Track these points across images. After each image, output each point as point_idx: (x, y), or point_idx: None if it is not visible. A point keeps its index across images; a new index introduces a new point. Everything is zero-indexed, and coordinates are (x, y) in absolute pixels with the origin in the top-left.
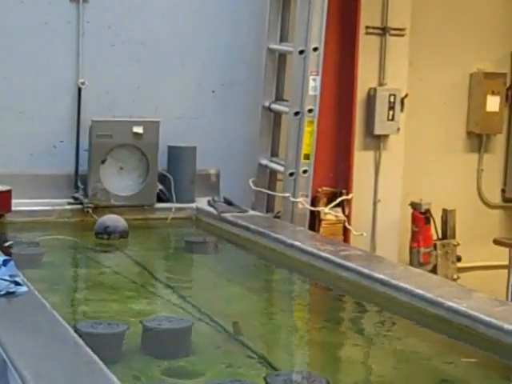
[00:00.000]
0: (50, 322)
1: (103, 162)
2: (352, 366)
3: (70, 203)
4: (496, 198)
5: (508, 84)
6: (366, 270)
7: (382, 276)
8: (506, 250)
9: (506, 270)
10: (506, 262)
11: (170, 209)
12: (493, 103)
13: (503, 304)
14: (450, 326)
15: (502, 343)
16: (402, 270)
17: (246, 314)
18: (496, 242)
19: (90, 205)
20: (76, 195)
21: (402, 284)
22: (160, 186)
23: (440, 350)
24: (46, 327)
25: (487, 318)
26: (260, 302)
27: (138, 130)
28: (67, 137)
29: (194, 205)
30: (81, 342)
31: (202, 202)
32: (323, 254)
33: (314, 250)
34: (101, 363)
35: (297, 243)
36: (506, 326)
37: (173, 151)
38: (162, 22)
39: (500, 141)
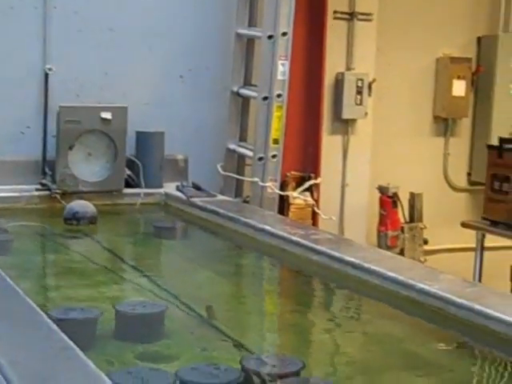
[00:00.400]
0: (23, 308)
1: (71, 147)
2: (326, 348)
3: (37, 189)
4: (462, 181)
5: (474, 69)
6: (336, 254)
7: (353, 259)
8: (472, 232)
9: (471, 253)
10: (472, 245)
11: (138, 194)
12: (459, 88)
13: (473, 285)
14: (422, 308)
15: (473, 324)
16: (372, 252)
17: (219, 298)
18: (464, 224)
19: (58, 191)
20: (44, 181)
21: (373, 267)
22: (128, 172)
23: (412, 332)
24: (19, 314)
25: (458, 300)
26: (232, 287)
27: (106, 115)
28: (34, 123)
29: (162, 190)
30: (55, 328)
31: (170, 188)
32: (294, 238)
33: (285, 234)
34: (77, 349)
35: (267, 227)
36: (477, 307)
37: (141, 137)
38: (130, 8)
39: (466, 125)
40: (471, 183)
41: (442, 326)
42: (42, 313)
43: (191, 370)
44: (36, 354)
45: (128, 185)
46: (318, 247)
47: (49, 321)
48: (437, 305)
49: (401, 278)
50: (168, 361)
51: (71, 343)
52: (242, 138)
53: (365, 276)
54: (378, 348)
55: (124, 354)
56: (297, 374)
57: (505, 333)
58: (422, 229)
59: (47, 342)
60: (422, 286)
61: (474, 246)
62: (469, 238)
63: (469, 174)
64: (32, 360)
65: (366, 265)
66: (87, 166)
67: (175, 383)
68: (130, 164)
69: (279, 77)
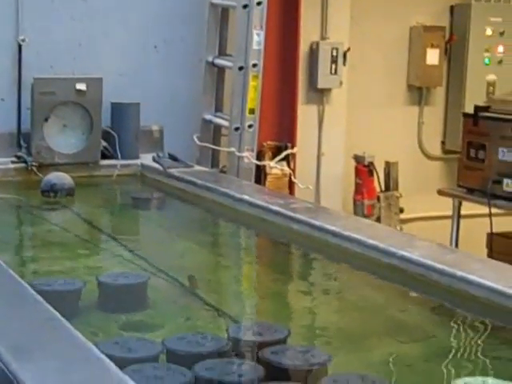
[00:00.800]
0: (6, 280)
1: (46, 119)
2: (309, 316)
3: (13, 162)
4: (436, 149)
5: (447, 37)
6: (316, 222)
7: (333, 227)
8: (446, 200)
9: (446, 221)
10: (447, 213)
11: (114, 166)
12: (432, 56)
13: (454, 252)
14: (404, 275)
15: (454, 290)
16: (352, 221)
17: (200, 267)
18: (440, 192)
19: (34, 163)
20: (19, 154)
21: (353, 235)
22: (104, 143)
23: (394, 299)
24: (3, 286)
25: (440, 266)
26: (213, 256)
27: (81, 87)
28: (8, 95)
29: (138, 161)
30: (40, 299)
31: (146, 159)
32: (273, 208)
33: (264, 204)
34: (63, 319)
35: (246, 197)
36: (459, 273)
37: (116, 108)
38: None
39: (440, 93)
40: (445, 151)
41: (424, 292)
42: (25, 284)
43: (178, 339)
44: (23, 325)
45: (104, 156)
46: (298, 216)
47: (33, 292)
48: (418, 271)
49: (382, 245)
50: (153, 330)
51: (57, 313)
52: (218, 109)
53: (345, 244)
54: (361, 315)
55: (108, 324)
56: (283, 341)
57: (486, 298)
58: (397, 197)
59: (33, 313)
60: (403, 253)
61: (448, 213)
62: (444, 206)
63: (443, 143)
64: (19, 331)
65: (346, 233)
66: (63, 138)
67: (163, 352)
68: (106, 135)
69: (254, 46)
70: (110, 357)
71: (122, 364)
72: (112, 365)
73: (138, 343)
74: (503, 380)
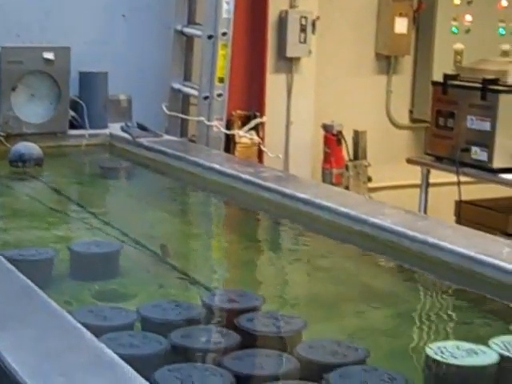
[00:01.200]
0: None
1: (14, 89)
2: (283, 284)
3: None
4: (404, 118)
5: (415, 6)
6: (287, 190)
7: (304, 195)
8: (414, 169)
9: (415, 189)
10: (416, 181)
11: (83, 135)
12: (401, 25)
13: (425, 219)
14: (376, 242)
15: (425, 256)
16: (323, 189)
17: (171, 236)
18: (409, 161)
19: (1, 133)
20: None
21: (324, 202)
22: (72, 113)
23: (367, 266)
24: None
25: (411, 233)
26: (184, 225)
27: (49, 56)
28: None
29: (107, 131)
30: (13, 268)
31: (114, 128)
32: (243, 176)
33: (234, 172)
34: (37, 288)
35: (215, 166)
36: (430, 240)
37: (84, 77)
38: None
39: (407, 62)
40: (413, 120)
41: (396, 258)
42: None
43: (152, 307)
44: None
45: (72, 126)
46: (269, 184)
47: (5, 261)
48: (390, 238)
49: (353, 212)
50: (126, 299)
51: (30, 282)
52: (187, 78)
53: (316, 212)
54: (334, 282)
55: (81, 293)
56: (258, 308)
57: (458, 263)
58: (366, 166)
59: (6, 282)
60: (374, 220)
61: (416, 182)
62: (412, 174)
63: (411, 112)
64: None
65: (318, 201)
66: (31, 108)
67: (138, 320)
68: (74, 105)
69: (224, 15)
70: (86, 325)
71: (97, 332)
72: (88, 333)
73: (112, 311)
74: (476, 344)
